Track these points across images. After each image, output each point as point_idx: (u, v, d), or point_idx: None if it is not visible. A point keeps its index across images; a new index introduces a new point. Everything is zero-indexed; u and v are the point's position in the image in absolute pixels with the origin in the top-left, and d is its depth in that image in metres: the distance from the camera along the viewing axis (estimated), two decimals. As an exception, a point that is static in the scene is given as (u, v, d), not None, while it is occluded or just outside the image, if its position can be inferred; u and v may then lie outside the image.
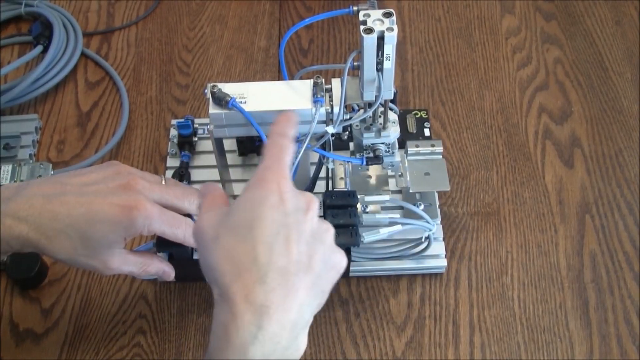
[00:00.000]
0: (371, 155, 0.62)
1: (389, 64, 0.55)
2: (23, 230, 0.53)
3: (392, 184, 0.71)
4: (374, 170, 0.70)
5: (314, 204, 0.48)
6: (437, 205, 0.71)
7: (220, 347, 0.42)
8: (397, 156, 0.65)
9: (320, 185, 0.69)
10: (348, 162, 0.66)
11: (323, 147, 0.63)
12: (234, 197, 0.69)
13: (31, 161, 0.78)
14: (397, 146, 0.65)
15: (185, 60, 0.89)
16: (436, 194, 0.72)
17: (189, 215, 0.60)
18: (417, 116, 0.77)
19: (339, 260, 0.48)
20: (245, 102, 0.59)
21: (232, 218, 0.46)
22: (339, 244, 0.61)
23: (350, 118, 0.60)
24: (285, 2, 0.94)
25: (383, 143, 0.62)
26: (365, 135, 0.61)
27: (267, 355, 0.42)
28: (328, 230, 0.48)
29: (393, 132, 0.61)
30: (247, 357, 0.41)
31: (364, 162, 0.62)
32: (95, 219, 0.54)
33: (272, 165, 0.47)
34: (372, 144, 0.62)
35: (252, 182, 0.47)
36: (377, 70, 0.56)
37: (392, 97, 0.59)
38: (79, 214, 0.53)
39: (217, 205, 0.50)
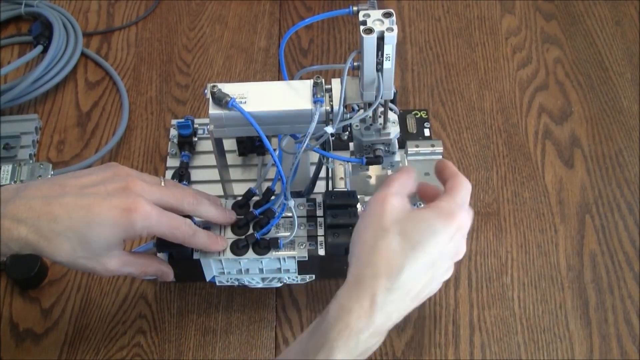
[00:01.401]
0: (371, 155, 0.62)
1: (388, 64, 0.55)
2: (22, 232, 0.52)
3: (392, 184, 0.70)
4: (374, 170, 0.70)
5: (463, 253, 0.56)
6: (437, 206, 0.71)
7: (338, 327, 0.49)
8: (397, 156, 0.65)
9: (320, 185, 0.69)
10: (348, 162, 0.66)
11: (323, 147, 0.63)
12: (234, 197, 0.69)
13: (31, 161, 0.78)
14: (397, 146, 0.64)
15: (185, 60, 0.89)
16: (436, 194, 0.72)
17: (188, 216, 0.60)
18: (417, 116, 0.77)
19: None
20: (245, 102, 0.59)
21: (407, 225, 0.51)
22: (339, 244, 0.62)
23: (350, 118, 0.60)
24: (285, 2, 0.94)
25: (383, 143, 0.62)
26: (364, 135, 0.61)
27: (367, 344, 0.50)
28: (452, 268, 0.57)
29: (393, 132, 0.61)
30: (358, 341, 0.49)
31: (364, 162, 0.62)
32: (94, 221, 0.54)
33: (464, 206, 0.54)
34: (371, 144, 0.62)
35: (444, 208, 0.53)
36: (377, 70, 0.55)
37: (392, 97, 0.59)
38: (78, 216, 0.53)
39: (405, 191, 0.56)
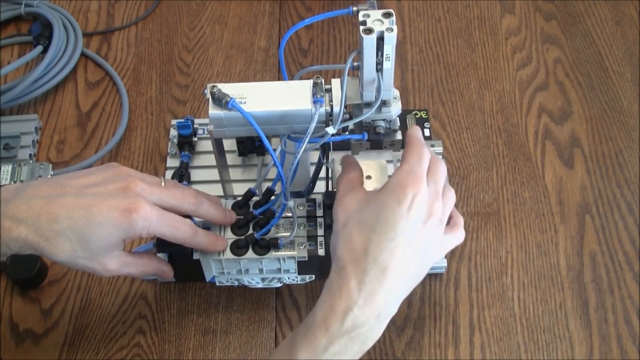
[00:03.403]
0: (372, 133, 0.61)
1: (388, 65, 0.55)
2: (22, 232, 0.52)
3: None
4: (373, 171, 0.70)
5: (436, 214, 0.55)
6: (437, 206, 0.71)
7: (323, 309, 0.52)
8: (399, 134, 0.63)
9: (320, 185, 0.69)
10: (348, 139, 0.64)
11: (322, 145, 0.62)
12: (234, 197, 0.69)
13: (31, 161, 0.78)
14: (398, 123, 0.63)
15: (185, 60, 0.89)
16: (436, 194, 0.71)
17: (188, 216, 0.60)
18: (417, 116, 0.77)
19: (430, 265, 0.58)
20: (245, 103, 0.59)
21: (363, 213, 0.55)
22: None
23: (351, 118, 0.60)
24: (285, 2, 0.94)
25: (384, 120, 0.61)
26: (365, 111, 0.60)
27: (356, 327, 0.52)
28: (438, 241, 0.57)
29: (394, 108, 0.60)
30: (343, 322, 0.51)
31: (365, 138, 0.61)
32: (94, 221, 0.54)
33: (413, 170, 0.55)
34: (372, 121, 0.61)
35: (393, 183, 0.55)
36: (377, 70, 0.55)
37: (391, 97, 0.58)
38: (78, 216, 0.53)
39: (354, 185, 0.59)
